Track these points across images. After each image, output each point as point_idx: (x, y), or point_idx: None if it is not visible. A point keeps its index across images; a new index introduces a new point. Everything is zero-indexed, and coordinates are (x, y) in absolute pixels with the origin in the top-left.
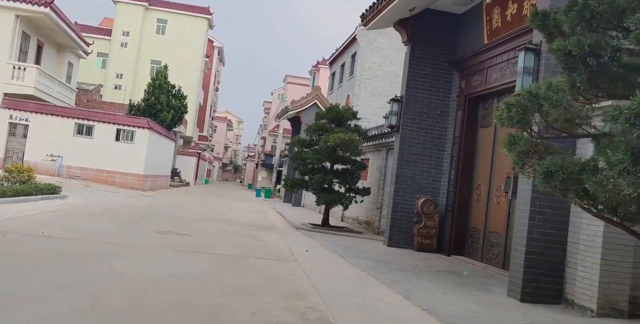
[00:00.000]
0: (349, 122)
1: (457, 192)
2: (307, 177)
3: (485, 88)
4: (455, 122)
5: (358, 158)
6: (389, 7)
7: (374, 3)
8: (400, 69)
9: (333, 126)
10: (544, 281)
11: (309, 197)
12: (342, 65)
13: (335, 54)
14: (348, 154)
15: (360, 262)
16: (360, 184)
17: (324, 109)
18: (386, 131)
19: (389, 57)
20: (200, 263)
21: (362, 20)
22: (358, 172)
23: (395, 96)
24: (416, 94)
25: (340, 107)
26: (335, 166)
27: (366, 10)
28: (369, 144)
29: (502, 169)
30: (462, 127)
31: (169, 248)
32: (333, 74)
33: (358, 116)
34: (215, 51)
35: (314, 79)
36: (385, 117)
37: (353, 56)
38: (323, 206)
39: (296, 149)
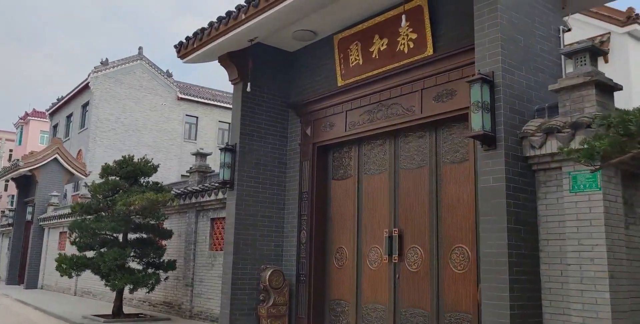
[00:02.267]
0: (147, 178)
1: (311, 258)
2: (94, 254)
3: (341, 135)
4: (302, 174)
5: (159, 224)
6: (227, 35)
7: (204, 29)
8: (140, 121)
9: (127, 184)
10: None
11: (50, 275)
12: (69, 117)
13: (59, 104)
14: (148, 219)
15: None
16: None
17: (67, 165)
18: (196, 188)
19: (128, 108)
20: None
21: (178, 52)
22: (158, 243)
23: (227, 144)
24: (251, 142)
25: (136, 160)
26: (130, 236)
27: (188, 38)
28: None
29: (377, 226)
30: (311, 180)
31: None
32: (55, 127)
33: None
34: None
35: (21, 133)
36: (202, 172)
37: (84, 106)
38: (109, 289)
39: (78, 217)
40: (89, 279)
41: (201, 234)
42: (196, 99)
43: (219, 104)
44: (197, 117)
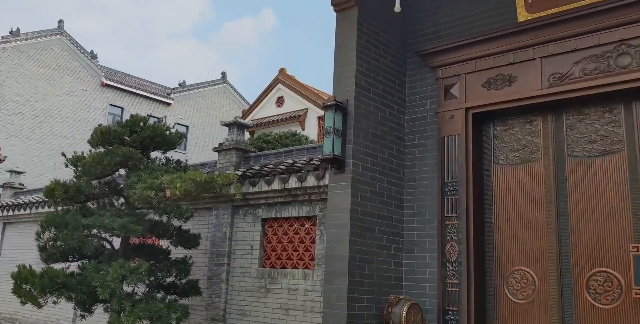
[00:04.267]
0: (166, 153)
1: (468, 285)
2: (79, 271)
3: (531, 96)
4: (444, 156)
5: (182, 224)
6: None
7: None
8: (54, 107)
9: (145, 157)
10: None
11: None
12: None
13: None
14: (170, 216)
15: None
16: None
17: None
18: (243, 170)
19: (41, 89)
20: None
21: None
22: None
23: (335, 100)
24: (367, 100)
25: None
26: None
27: None
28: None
29: (608, 239)
30: (463, 166)
31: None
32: None
33: None
34: None
35: None
36: (242, 150)
37: None
38: None
39: (55, 208)
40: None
41: (242, 242)
42: (123, 87)
43: (149, 95)
44: (122, 109)
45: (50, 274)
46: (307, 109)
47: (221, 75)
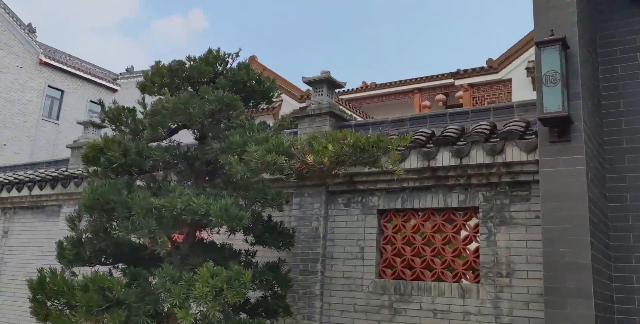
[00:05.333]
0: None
1: None
2: (124, 278)
3: None
4: None
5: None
6: None
7: None
8: None
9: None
10: None
11: None
12: None
13: None
14: (267, 203)
15: None
16: None
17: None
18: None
19: None
20: None
21: None
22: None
23: (553, 34)
24: (583, 43)
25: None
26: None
27: None
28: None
29: None
30: None
31: None
32: None
33: None
34: None
35: None
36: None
37: None
38: None
39: (90, 183)
40: None
41: (344, 243)
42: (65, 67)
43: (94, 79)
44: (62, 92)
45: (97, 282)
46: (281, 100)
47: None
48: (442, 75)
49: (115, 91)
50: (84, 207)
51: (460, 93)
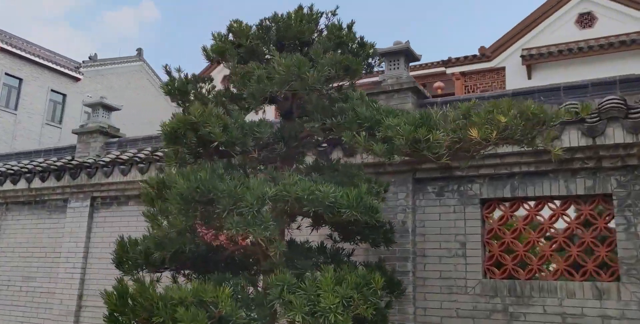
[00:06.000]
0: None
1: None
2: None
3: None
4: None
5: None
6: None
7: None
8: None
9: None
10: None
11: None
12: None
13: None
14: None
15: None
16: None
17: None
18: None
19: None
20: None
21: None
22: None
23: None
24: None
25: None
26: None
27: None
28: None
29: None
30: None
31: None
32: None
33: None
34: None
35: None
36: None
37: None
38: None
39: (168, 167)
40: None
41: (439, 238)
42: (24, 54)
43: (55, 67)
44: (21, 80)
45: (198, 294)
46: None
47: (137, 52)
48: (433, 63)
49: (78, 79)
50: (179, 199)
51: (438, 84)
